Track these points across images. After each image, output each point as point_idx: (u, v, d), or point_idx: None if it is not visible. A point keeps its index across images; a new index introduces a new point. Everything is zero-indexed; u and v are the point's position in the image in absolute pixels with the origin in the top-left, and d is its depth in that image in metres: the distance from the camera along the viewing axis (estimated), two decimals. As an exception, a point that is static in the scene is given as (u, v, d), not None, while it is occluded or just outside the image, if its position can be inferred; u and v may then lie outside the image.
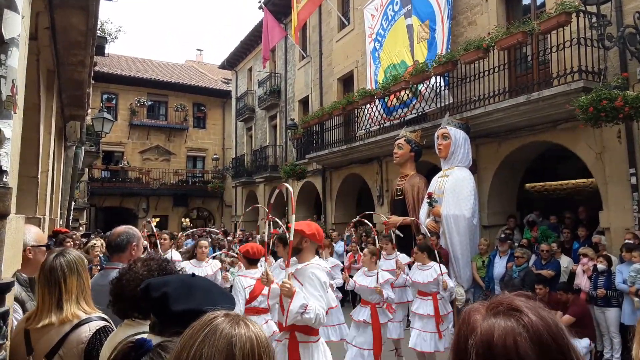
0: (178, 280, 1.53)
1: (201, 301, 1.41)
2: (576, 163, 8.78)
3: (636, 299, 6.05)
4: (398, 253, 7.18)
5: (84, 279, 2.23)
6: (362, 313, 5.78)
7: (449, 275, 6.68)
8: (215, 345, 1.02)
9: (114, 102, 25.21)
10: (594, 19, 6.71)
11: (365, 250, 6.32)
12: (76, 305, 2.14)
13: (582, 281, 6.91)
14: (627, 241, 6.65)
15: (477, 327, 0.90)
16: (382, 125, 11.79)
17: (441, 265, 6.08)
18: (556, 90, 7.39)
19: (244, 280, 5.03)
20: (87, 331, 2.07)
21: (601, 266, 6.61)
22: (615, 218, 7.45)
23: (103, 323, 2.12)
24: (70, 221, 12.23)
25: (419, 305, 6.20)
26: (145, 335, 1.55)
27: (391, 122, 11.45)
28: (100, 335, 2.04)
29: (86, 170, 19.08)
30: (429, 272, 6.17)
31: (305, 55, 17.61)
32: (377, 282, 5.67)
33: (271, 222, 5.62)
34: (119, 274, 1.90)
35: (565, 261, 7.56)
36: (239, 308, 4.80)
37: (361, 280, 5.94)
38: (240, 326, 1.06)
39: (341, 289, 6.54)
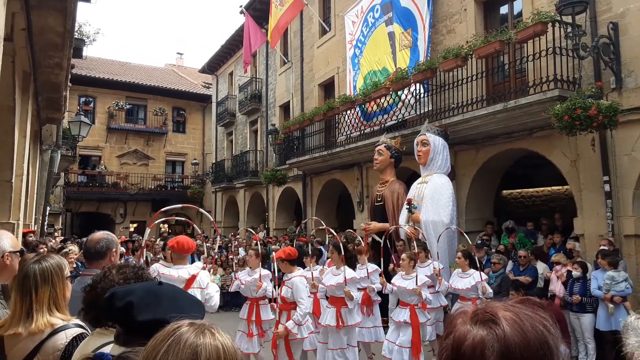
0: (144, 289, 1.48)
1: (168, 310, 1.36)
2: (551, 170, 8.95)
3: (611, 305, 6.18)
4: (430, 260, 7.33)
5: (59, 289, 2.17)
6: (401, 314, 6.17)
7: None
8: (179, 356, 0.98)
9: (91, 105, 24.86)
10: (569, 29, 6.88)
11: (404, 255, 6.63)
12: (49, 314, 2.10)
13: (557, 287, 7.02)
14: (602, 247, 6.78)
15: (454, 331, 0.90)
16: (362, 132, 11.85)
17: (481, 272, 6.37)
18: (532, 99, 7.52)
19: (304, 279, 5.61)
20: (63, 338, 2.04)
21: (576, 273, 6.72)
22: (589, 225, 7.61)
23: (80, 330, 2.08)
24: (45, 226, 11.98)
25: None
26: (110, 347, 1.52)
27: (371, 129, 11.52)
28: (77, 342, 2.01)
29: (62, 174, 18.74)
30: (468, 279, 6.46)
31: (286, 61, 17.63)
32: (416, 284, 6.02)
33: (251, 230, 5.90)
34: (92, 281, 1.86)
35: (541, 267, 7.69)
36: (307, 304, 5.40)
37: (399, 282, 6.33)
38: (206, 335, 1.02)
39: (380, 292, 6.97)
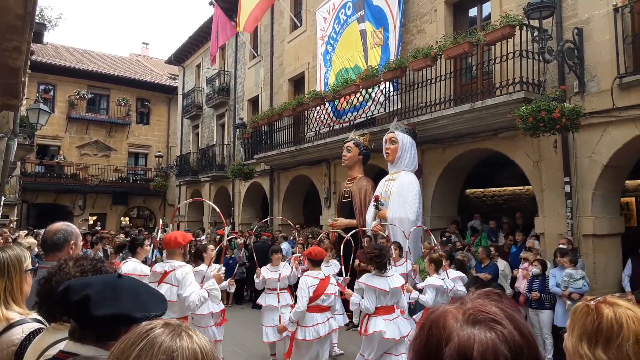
0: (101, 282, 1.40)
1: (127, 304, 1.30)
2: (514, 170, 9.17)
3: (568, 302, 6.37)
4: (404, 259, 7.32)
5: (15, 282, 2.08)
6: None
7: None
8: None
9: (51, 93, 24.01)
10: (536, 33, 7.02)
11: (427, 260, 6.62)
12: (4, 308, 2.01)
13: (522, 285, 7.18)
14: (561, 246, 6.98)
15: (455, 336, 0.83)
16: (331, 128, 11.84)
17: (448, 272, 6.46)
18: (498, 100, 7.67)
19: (308, 279, 5.54)
20: (19, 333, 1.95)
21: (536, 270, 6.90)
22: (549, 224, 7.82)
23: (37, 325, 1.99)
24: (-1, 217, 11.50)
25: None
26: (64, 343, 1.44)
27: (341, 125, 11.53)
28: (34, 337, 1.91)
29: (18, 164, 18.01)
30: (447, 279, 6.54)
31: (256, 55, 17.44)
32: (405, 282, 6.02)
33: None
34: (48, 274, 1.78)
35: (501, 265, 7.86)
36: (302, 304, 5.38)
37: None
38: (183, 338, 0.94)
39: None
